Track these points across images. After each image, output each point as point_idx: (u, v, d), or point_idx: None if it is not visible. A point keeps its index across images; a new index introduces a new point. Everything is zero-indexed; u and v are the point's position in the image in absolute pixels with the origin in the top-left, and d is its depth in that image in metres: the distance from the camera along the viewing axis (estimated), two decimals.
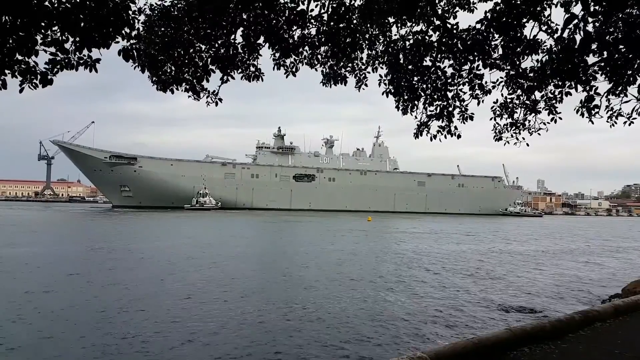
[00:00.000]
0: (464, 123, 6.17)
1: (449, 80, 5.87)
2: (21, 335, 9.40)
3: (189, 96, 5.62)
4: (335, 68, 5.98)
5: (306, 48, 5.62)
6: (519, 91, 6.02)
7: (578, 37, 4.86)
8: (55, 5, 3.27)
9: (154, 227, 43.37)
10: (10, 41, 3.12)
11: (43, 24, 3.19)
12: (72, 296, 13.01)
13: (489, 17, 5.33)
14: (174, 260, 20.46)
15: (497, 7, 5.29)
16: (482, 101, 6.01)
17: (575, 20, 4.57)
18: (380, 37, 5.87)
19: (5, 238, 28.54)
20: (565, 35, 5.05)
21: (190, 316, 11.00)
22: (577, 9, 4.77)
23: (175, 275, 16.58)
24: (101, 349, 8.65)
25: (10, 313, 10.97)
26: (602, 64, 5.22)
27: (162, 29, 5.07)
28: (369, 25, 5.67)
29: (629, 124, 5.71)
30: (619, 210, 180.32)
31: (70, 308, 11.59)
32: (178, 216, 62.37)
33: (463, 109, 6.07)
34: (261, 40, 5.25)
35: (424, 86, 6.00)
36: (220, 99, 5.78)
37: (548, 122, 6.21)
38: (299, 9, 5.17)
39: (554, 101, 5.94)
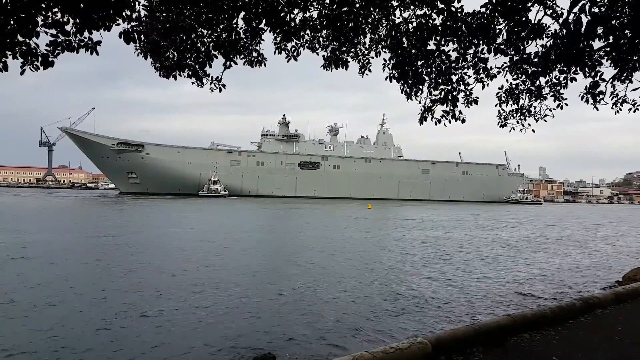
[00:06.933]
0: (469, 107, 6.13)
1: (454, 64, 5.81)
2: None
3: (192, 82, 5.61)
4: (337, 52, 5.93)
5: (307, 32, 5.57)
6: (523, 77, 5.97)
7: (584, 21, 4.78)
8: None
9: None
10: (11, 22, 3.13)
11: (44, 5, 3.19)
12: None
13: (494, 1, 5.26)
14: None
15: None
16: (487, 85, 5.96)
17: (582, 2, 4.49)
18: (383, 20, 5.80)
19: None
20: (570, 18, 4.98)
21: None
22: None
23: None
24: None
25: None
26: (608, 49, 5.15)
27: (164, 14, 5.03)
28: (371, 9, 5.60)
29: (634, 111, 5.67)
30: (620, 198, 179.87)
31: None
32: (195, 202, 62.34)
33: (467, 93, 6.02)
34: (263, 24, 5.20)
35: (428, 70, 5.94)
36: (224, 85, 5.76)
37: (554, 109, 6.15)
38: None
39: (558, 87, 5.88)
